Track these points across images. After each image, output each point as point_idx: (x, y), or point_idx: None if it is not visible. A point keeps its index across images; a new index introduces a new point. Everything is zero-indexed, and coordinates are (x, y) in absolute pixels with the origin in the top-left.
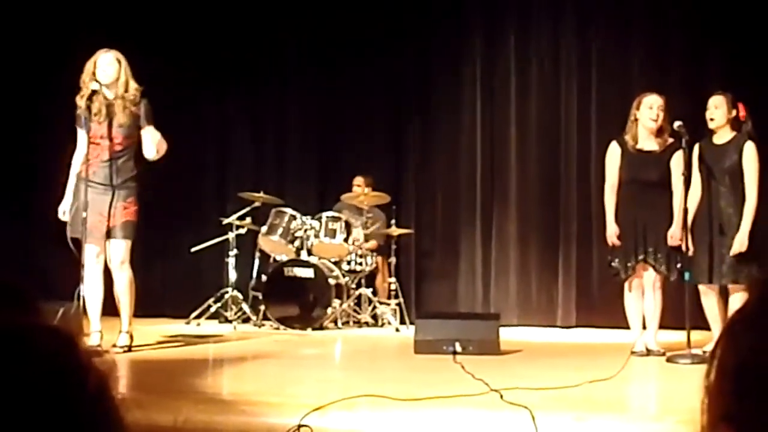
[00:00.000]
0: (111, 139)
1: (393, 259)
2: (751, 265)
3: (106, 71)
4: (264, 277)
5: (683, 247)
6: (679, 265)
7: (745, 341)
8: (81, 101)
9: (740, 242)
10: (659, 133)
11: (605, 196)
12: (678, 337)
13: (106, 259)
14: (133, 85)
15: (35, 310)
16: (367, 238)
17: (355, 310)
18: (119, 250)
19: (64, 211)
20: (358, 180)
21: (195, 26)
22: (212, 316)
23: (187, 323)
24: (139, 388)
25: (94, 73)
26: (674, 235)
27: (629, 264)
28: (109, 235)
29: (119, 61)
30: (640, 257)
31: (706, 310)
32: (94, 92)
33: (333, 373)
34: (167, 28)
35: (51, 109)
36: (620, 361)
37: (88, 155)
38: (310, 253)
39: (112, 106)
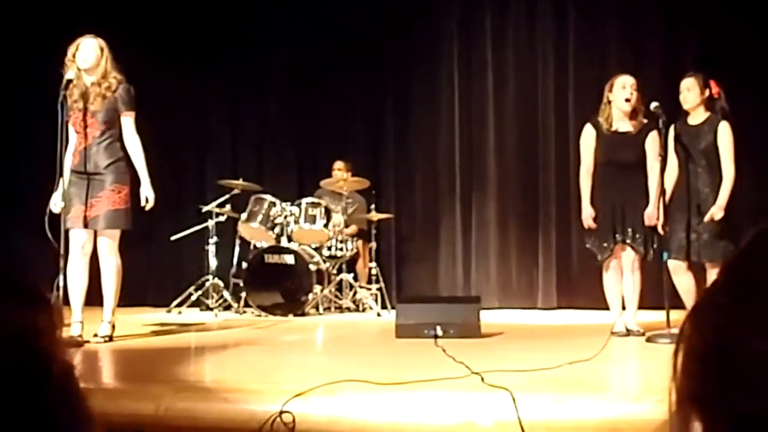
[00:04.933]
0: (87, 127)
1: (373, 244)
2: (727, 244)
3: (87, 56)
4: (245, 264)
5: (659, 228)
6: (656, 245)
7: (709, 321)
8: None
9: (718, 208)
10: (634, 114)
11: (581, 178)
12: (657, 317)
13: (95, 248)
14: (112, 73)
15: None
16: (347, 224)
17: (336, 296)
18: (103, 239)
19: (55, 203)
20: (339, 164)
21: (175, 13)
22: (193, 304)
23: (168, 312)
24: (120, 377)
25: (74, 57)
26: (651, 215)
27: (605, 245)
28: (90, 224)
29: (102, 49)
30: (619, 238)
31: (679, 288)
32: (69, 81)
33: (315, 358)
34: (146, 15)
35: (31, 99)
36: (600, 341)
37: (74, 144)
38: (290, 239)
39: (88, 92)
